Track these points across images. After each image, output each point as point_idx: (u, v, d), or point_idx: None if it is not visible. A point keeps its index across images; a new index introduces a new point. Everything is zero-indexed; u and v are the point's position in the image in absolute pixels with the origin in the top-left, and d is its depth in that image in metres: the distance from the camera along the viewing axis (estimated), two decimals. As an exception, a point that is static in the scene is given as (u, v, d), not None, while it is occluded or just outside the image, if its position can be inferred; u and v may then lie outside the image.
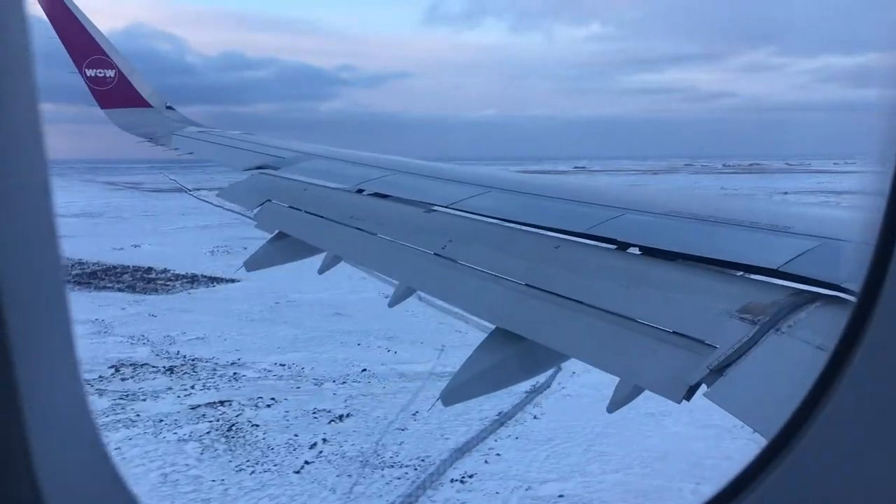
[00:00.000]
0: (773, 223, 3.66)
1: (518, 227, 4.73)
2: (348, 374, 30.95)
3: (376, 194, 6.44)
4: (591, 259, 4.02)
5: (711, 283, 3.28)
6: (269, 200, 7.39)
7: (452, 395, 3.84)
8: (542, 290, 3.86)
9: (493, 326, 3.88)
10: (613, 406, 3.25)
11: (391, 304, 5.15)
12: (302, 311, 40.97)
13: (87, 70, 13.66)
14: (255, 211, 7.33)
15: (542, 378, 27.03)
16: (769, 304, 2.84)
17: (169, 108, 14.29)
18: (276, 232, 6.75)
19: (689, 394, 2.74)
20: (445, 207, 5.47)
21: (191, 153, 11.49)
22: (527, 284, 3.97)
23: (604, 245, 4.04)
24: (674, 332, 3.02)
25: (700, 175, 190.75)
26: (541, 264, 4.14)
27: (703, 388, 2.69)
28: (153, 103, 14.18)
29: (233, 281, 47.22)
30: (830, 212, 4.04)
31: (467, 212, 5.26)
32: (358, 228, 5.84)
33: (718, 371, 2.65)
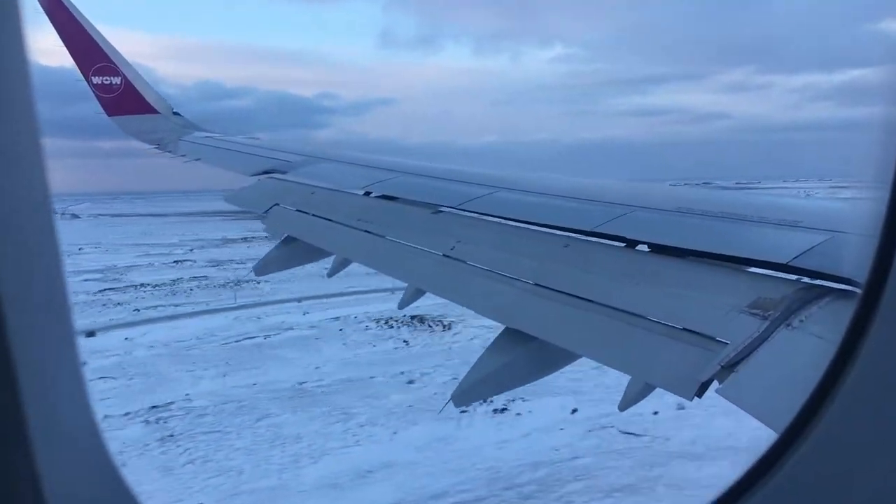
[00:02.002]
0: (782, 218, 3.65)
1: (526, 226, 4.74)
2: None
3: (384, 196, 6.45)
4: (601, 257, 4.02)
5: (721, 279, 3.28)
6: (277, 204, 7.41)
7: (464, 395, 3.85)
8: (551, 289, 3.86)
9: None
10: (625, 404, 3.26)
11: (401, 306, 5.17)
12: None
13: (93, 77, 13.73)
14: (263, 215, 7.36)
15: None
16: (780, 298, 2.84)
17: (175, 113, 14.34)
18: (285, 236, 6.77)
19: (701, 390, 2.74)
20: (453, 208, 5.48)
21: (198, 159, 11.53)
22: (536, 284, 3.98)
23: (613, 243, 4.04)
24: (684, 329, 3.02)
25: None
26: (550, 264, 4.14)
27: (715, 384, 2.69)
28: (160, 109, 14.24)
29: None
30: (840, 205, 4.02)
31: (475, 212, 5.27)
32: (366, 231, 5.85)
33: (730, 367, 2.65)
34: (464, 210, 5.37)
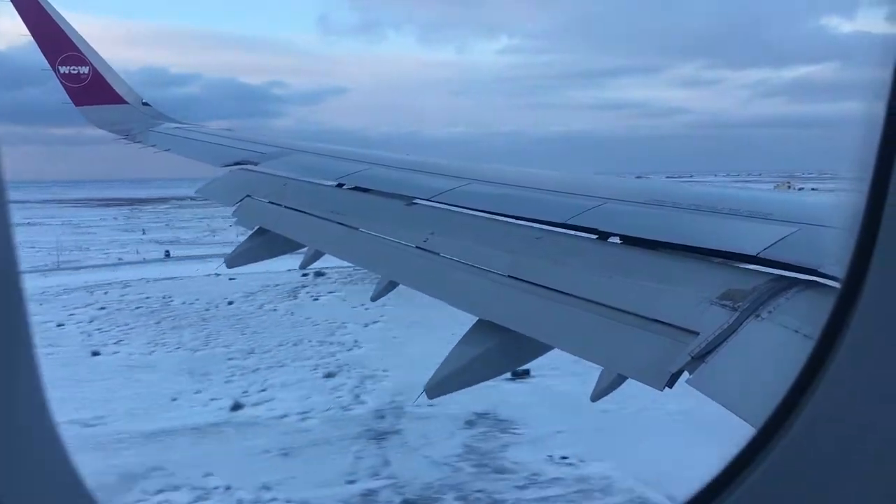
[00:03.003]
0: (753, 210, 3.69)
1: (499, 218, 4.73)
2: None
3: (357, 188, 6.42)
4: (573, 249, 4.02)
5: (692, 271, 3.30)
6: (249, 196, 7.34)
7: (437, 387, 3.84)
8: (524, 281, 3.86)
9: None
10: (596, 395, 3.27)
11: (373, 298, 5.14)
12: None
13: (60, 67, 13.47)
14: (234, 207, 7.28)
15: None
16: (749, 290, 2.86)
17: (145, 104, 14.13)
18: (257, 228, 6.71)
19: (672, 381, 2.76)
20: (426, 200, 5.46)
21: (168, 149, 11.38)
22: (509, 276, 3.98)
23: (585, 235, 4.05)
24: (655, 320, 3.04)
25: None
26: (523, 256, 4.15)
27: (686, 375, 2.70)
28: (129, 100, 14.02)
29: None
30: (810, 198, 4.07)
31: (448, 204, 5.25)
32: (339, 223, 5.81)
33: (700, 358, 2.67)
34: (437, 202, 5.35)
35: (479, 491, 14.10)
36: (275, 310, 31.09)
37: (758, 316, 2.71)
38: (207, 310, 31.02)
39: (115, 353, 24.64)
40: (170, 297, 33.52)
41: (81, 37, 13.68)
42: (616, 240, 3.89)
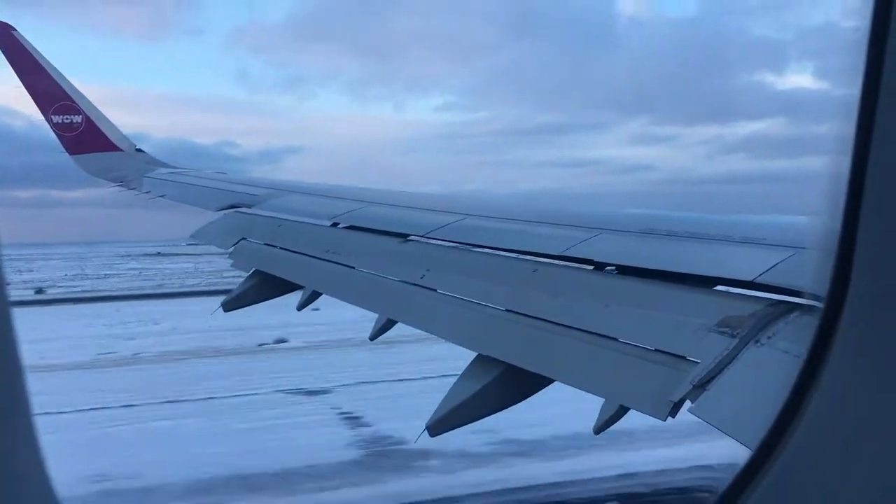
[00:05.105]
0: (747, 235, 3.70)
1: (495, 252, 4.74)
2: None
3: (351, 227, 6.43)
4: (569, 281, 4.03)
5: (689, 299, 3.30)
6: (244, 239, 7.34)
7: (439, 424, 3.80)
8: (522, 314, 3.85)
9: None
10: (599, 428, 3.24)
11: (372, 338, 5.12)
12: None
13: (53, 117, 13.56)
14: (230, 250, 7.28)
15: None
16: (747, 316, 2.86)
17: (139, 150, 14.19)
18: (253, 270, 6.70)
19: (674, 410, 2.74)
20: (421, 237, 5.48)
21: (163, 195, 11.40)
22: (507, 310, 3.97)
23: (581, 266, 4.05)
24: (655, 350, 3.03)
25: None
26: (520, 289, 4.15)
27: (688, 403, 2.69)
28: (122, 147, 14.07)
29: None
30: (803, 221, 4.09)
31: (443, 240, 5.26)
32: (335, 262, 5.81)
33: (701, 386, 2.66)
34: (432, 238, 5.36)
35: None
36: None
37: (757, 342, 2.71)
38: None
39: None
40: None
41: (73, 86, 13.79)
42: (612, 270, 3.89)
